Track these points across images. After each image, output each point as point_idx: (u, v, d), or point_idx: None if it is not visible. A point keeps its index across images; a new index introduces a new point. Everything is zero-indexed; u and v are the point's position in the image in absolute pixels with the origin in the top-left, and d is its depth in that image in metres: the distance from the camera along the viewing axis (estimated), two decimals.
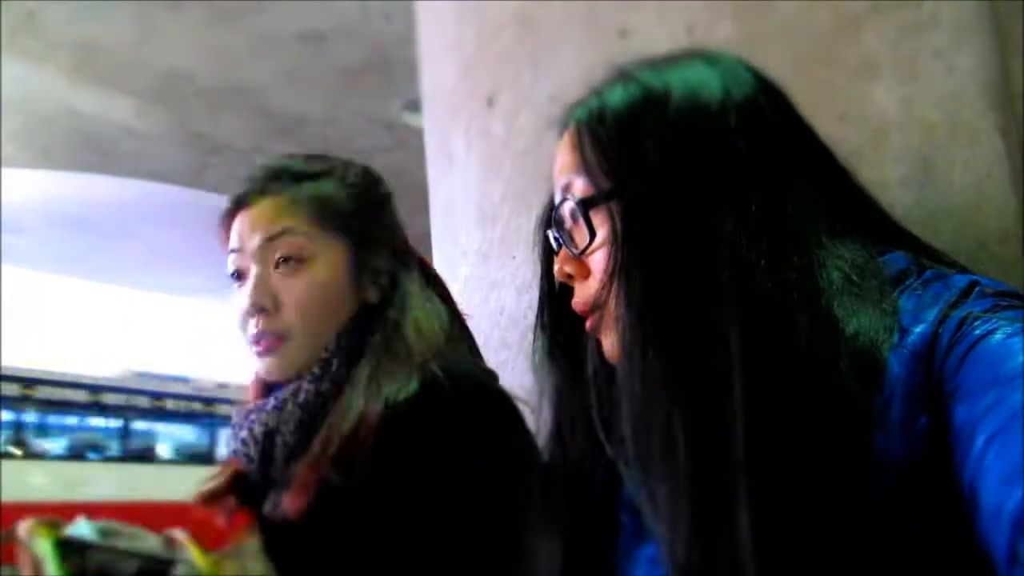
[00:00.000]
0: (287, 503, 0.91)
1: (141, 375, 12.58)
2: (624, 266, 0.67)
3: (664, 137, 0.68)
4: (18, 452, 9.26)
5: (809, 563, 0.58)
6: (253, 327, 0.98)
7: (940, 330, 0.60)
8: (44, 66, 4.38)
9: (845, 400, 0.60)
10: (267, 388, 1.03)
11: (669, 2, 1.17)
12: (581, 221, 0.71)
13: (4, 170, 5.32)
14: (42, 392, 10.09)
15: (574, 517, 0.77)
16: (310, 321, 0.97)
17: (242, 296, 0.99)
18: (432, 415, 0.91)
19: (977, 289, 0.62)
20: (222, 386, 11.86)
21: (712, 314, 0.63)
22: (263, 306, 0.97)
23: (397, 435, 0.90)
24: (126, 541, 0.87)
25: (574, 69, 1.21)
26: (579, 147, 0.72)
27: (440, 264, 1.49)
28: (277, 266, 0.98)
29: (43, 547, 0.82)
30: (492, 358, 1.16)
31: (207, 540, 0.90)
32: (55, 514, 0.88)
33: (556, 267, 0.75)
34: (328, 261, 0.99)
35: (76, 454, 9.96)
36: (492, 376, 1.02)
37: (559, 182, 0.75)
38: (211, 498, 1.02)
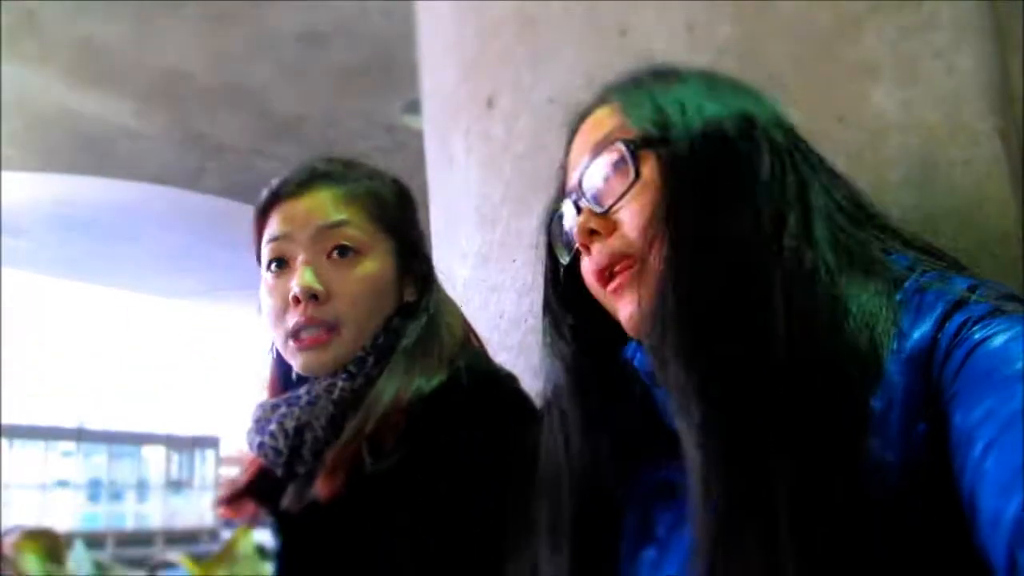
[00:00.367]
0: (319, 486, 0.91)
1: None
2: (669, 208, 0.68)
3: (706, 110, 0.71)
4: None
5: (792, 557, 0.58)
6: (297, 316, 0.97)
7: (939, 335, 0.60)
8: (43, 67, 4.38)
9: (841, 393, 0.61)
10: (285, 383, 1.04)
11: (669, 2, 1.17)
12: (627, 164, 0.71)
13: (3, 172, 5.32)
14: None
15: (579, 515, 0.77)
16: (361, 313, 0.99)
17: (285, 283, 0.98)
18: (456, 407, 0.94)
19: (977, 292, 0.62)
20: None
21: (748, 261, 0.65)
22: (316, 293, 0.96)
23: (424, 424, 0.92)
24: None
25: (574, 69, 1.21)
26: (627, 110, 0.74)
27: (440, 267, 1.48)
28: (329, 256, 0.98)
29: (31, 563, 0.81)
30: None
31: None
32: None
33: (579, 226, 0.74)
34: (380, 256, 1.01)
35: None
36: (511, 378, 1.04)
37: (588, 152, 0.76)
38: (234, 494, 1.03)
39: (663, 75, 0.78)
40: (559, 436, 0.79)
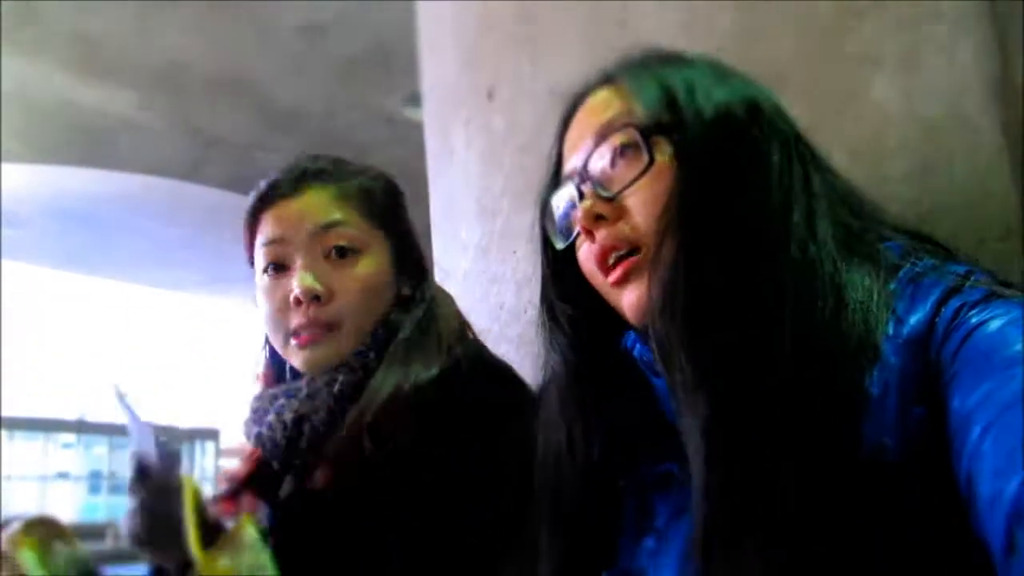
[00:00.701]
0: (319, 474, 0.92)
1: None
2: (683, 195, 0.68)
3: (714, 94, 0.71)
4: None
5: (785, 543, 0.58)
6: (298, 317, 0.98)
7: (936, 319, 0.61)
8: (42, 59, 4.37)
9: (833, 382, 0.62)
10: (280, 374, 1.04)
11: None
12: (639, 151, 0.71)
13: (3, 164, 5.31)
14: None
15: (578, 505, 0.78)
16: (361, 311, 0.99)
17: (284, 285, 0.99)
18: (456, 397, 0.94)
19: (973, 278, 0.63)
20: None
21: (761, 248, 0.65)
22: (317, 294, 0.97)
23: (425, 414, 0.93)
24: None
25: (574, 61, 1.21)
26: (634, 92, 0.74)
27: (440, 259, 1.48)
28: (328, 256, 0.99)
29: (28, 557, 0.81)
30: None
31: None
32: None
33: (583, 213, 0.73)
34: (377, 253, 1.02)
35: None
36: (509, 367, 1.04)
37: (592, 135, 0.75)
38: (234, 483, 1.03)
39: (669, 58, 0.77)
40: (558, 426, 0.79)
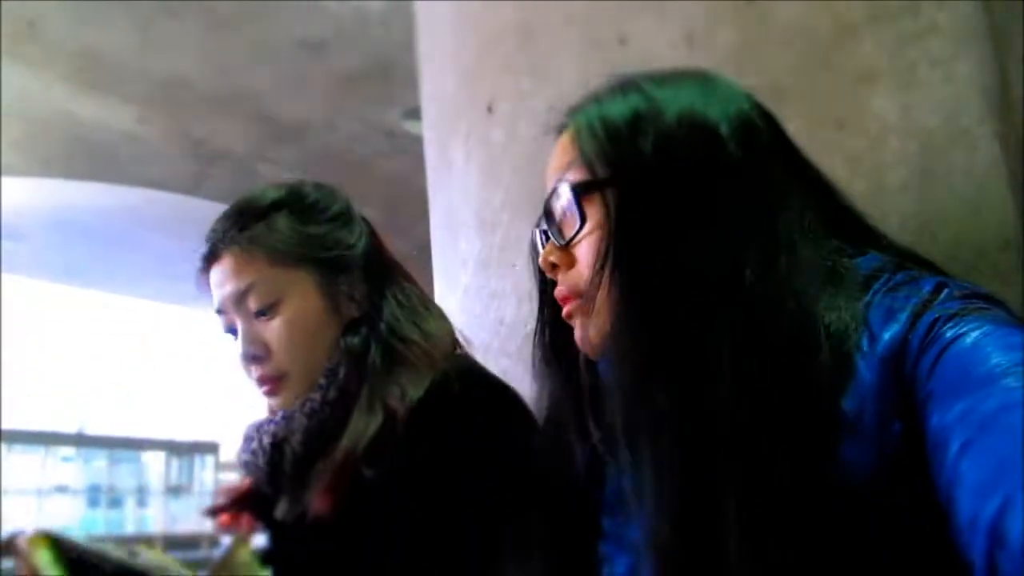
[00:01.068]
0: (315, 503, 0.93)
1: None
2: (615, 252, 0.69)
3: (661, 135, 0.70)
4: None
5: (791, 550, 0.58)
6: (254, 373, 1.01)
7: (910, 335, 0.60)
8: (44, 74, 4.38)
9: (823, 393, 0.61)
10: None
11: (668, 10, 1.17)
12: (573, 208, 0.72)
13: (3, 178, 5.32)
14: None
15: (563, 514, 0.78)
16: (299, 357, 1.00)
17: (238, 347, 1.02)
18: (450, 411, 0.94)
19: (946, 291, 0.62)
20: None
21: (701, 303, 0.64)
22: (256, 356, 1.00)
23: (419, 430, 0.93)
24: (117, 553, 0.87)
25: (574, 77, 1.21)
26: (577, 142, 0.74)
27: (440, 272, 1.48)
28: (257, 316, 1.00)
29: (43, 558, 0.81)
30: (492, 367, 1.15)
31: None
32: None
33: (541, 258, 0.77)
34: (298, 295, 1.01)
35: None
36: (499, 379, 1.04)
37: (552, 181, 0.76)
38: (221, 507, 1.05)
39: (622, 92, 0.75)
40: (554, 443, 0.79)
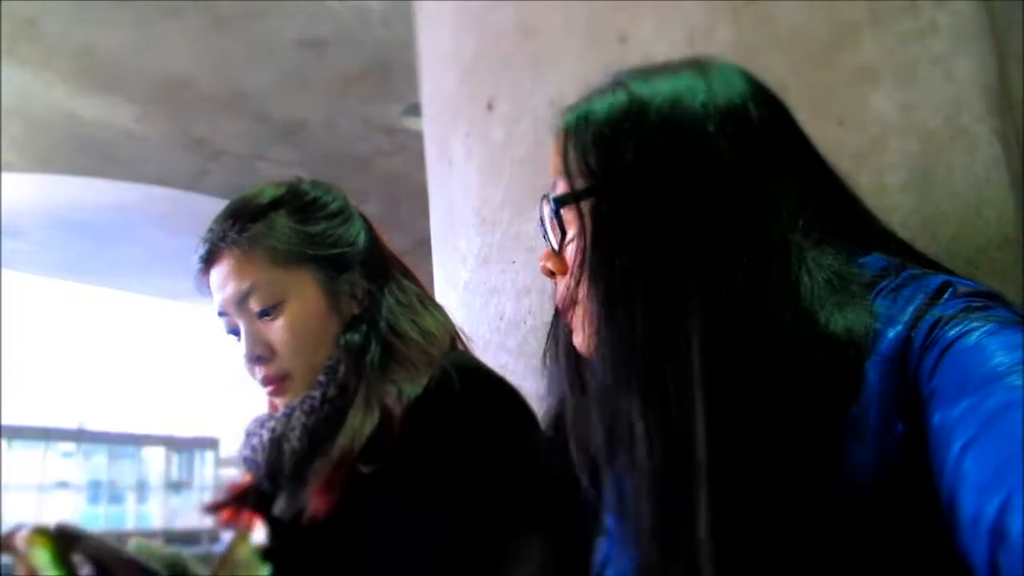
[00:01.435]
0: (314, 503, 0.93)
1: None
2: (590, 263, 0.68)
3: (641, 140, 0.69)
4: None
5: (769, 567, 0.58)
6: (258, 374, 1.02)
7: (912, 334, 0.60)
8: (44, 72, 4.38)
9: (815, 407, 0.60)
10: None
11: (668, 9, 1.17)
12: (554, 220, 0.73)
13: (4, 175, 5.32)
14: None
15: (564, 512, 0.79)
16: (303, 356, 1.00)
17: (241, 349, 1.02)
18: (450, 406, 0.94)
19: (950, 290, 0.62)
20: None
21: (675, 315, 0.63)
22: (260, 356, 1.00)
23: (420, 426, 0.93)
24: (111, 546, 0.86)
25: (574, 75, 1.21)
26: (563, 150, 0.74)
27: (440, 269, 1.49)
28: (260, 317, 1.00)
29: (41, 557, 0.80)
30: (492, 363, 1.16)
31: None
32: None
33: (541, 265, 0.77)
34: (300, 295, 1.01)
35: None
36: (499, 376, 1.03)
37: (549, 186, 0.76)
38: (219, 503, 1.05)
39: (611, 91, 0.74)
40: (557, 441, 0.79)
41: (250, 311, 1.00)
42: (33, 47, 4.14)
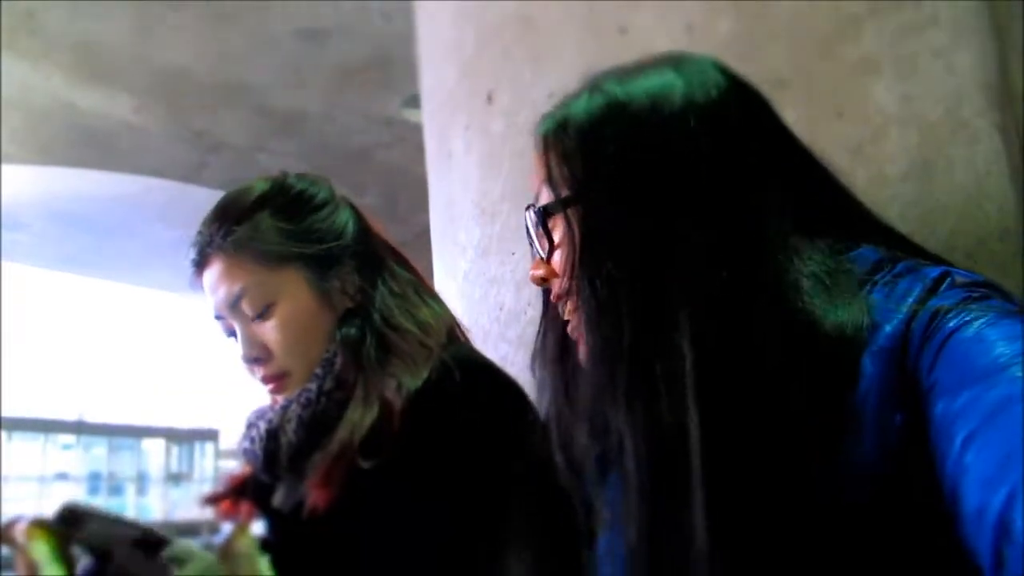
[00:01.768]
0: (313, 496, 0.93)
1: None
2: (578, 270, 0.68)
3: (621, 143, 0.68)
4: None
5: (771, 566, 0.58)
6: (257, 373, 1.02)
7: (912, 325, 0.60)
8: (43, 64, 4.37)
9: (811, 403, 0.60)
10: None
11: (668, 1, 1.17)
12: (540, 230, 0.73)
13: (3, 166, 5.32)
14: None
15: (563, 506, 0.79)
16: (300, 354, 1.00)
17: (238, 351, 1.02)
18: (451, 398, 0.94)
19: (948, 280, 0.62)
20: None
21: (664, 321, 0.63)
22: (257, 358, 1.00)
23: (421, 419, 0.93)
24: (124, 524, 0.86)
25: (574, 67, 1.20)
26: (544, 157, 0.74)
27: (439, 261, 1.49)
28: (253, 319, 1.00)
29: (41, 550, 0.80)
30: (491, 353, 1.16)
31: None
32: None
33: (531, 274, 0.77)
34: (290, 295, 1.00)
35: None
36: (499, 368, 1.04)
37: (534, 188, 0.77)
38: (217, 495, 1.05)
39: (588, 95, 0.73)
40: (559, 444, 0.79)
41: (243, 314, 1.00)
42: (32, 39, 4.13)
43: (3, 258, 7.86)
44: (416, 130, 1.72)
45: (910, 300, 0.61)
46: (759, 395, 0.60)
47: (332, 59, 4.38)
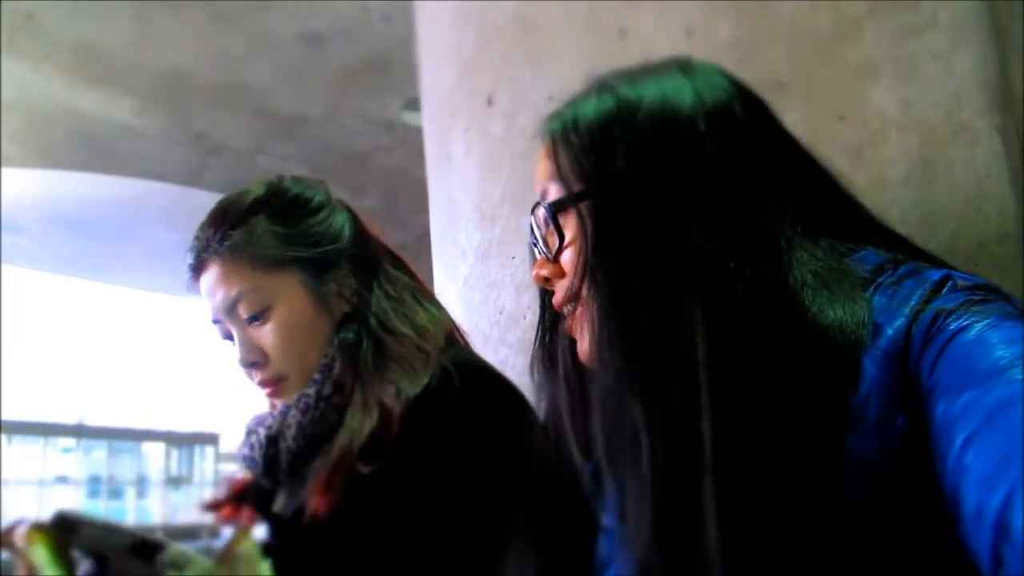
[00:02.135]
0: (314, 503, 0.93)
1: None
2: (592, 265, 0.68)
3: (633, 141, 0.69)
4: None
5: (775, 565, 0.58)
6: (255, 378, 1.02)
7: (914, 328, 0.60)
8: (43, 66, 4.38)
9: (812, 400, 0.60)
10: None
11: (668, 3, 1.17)
12: (551, 225, 0.72)
13: (3, 169, 5.32)
14: None
15: (561, 513, 0.79)
16: (297, 358, 1.00)
17: (236, 355, 1.02)
18: (448, 406, 0.94)
19: (949, 283, 0.62)
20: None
21: (677, 314, 0.64)
22: (254, 362, 1.01)
23: (422, 424, 0.93)
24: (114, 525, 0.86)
25: (574, 69, 1.20)
26: (553, 154, 0.74)
27: (439, 264, 1.49)
28: (250, 323, 1.00)
29: (40, 554, 0.80)
30: (491, 357, 1.16)
31: None
32: None
33: (534, 274, 0.77)
34: (287, 299, 1.01)
35: None
36: (498, 372, 1.04)
37: (538, 188, 0.76)
38: (218, 501, 1.05)
39: (596, 95, 0.74)
40: (555, 443, 0.79)
41: (240, 318, 1.00)
42: (32, 41, 4.14)
43: (3, 261, 7.86)
44: (416, 133, 1.72)
45: (912, 302, 0.62)
46: (761, 389, 0.61)
47: (332, 61, 4.39)
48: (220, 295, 1.00)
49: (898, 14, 1.06)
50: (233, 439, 1.09)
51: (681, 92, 0.71)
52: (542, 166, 0.76)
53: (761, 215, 0.67)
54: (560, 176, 0.73)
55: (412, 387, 0.95)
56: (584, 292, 0.70)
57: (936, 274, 0.64)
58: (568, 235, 0.72)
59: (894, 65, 1.05)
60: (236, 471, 1.10)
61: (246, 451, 1.02)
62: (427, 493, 0.90)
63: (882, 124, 1.05)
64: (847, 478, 0.59)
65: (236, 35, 4.18)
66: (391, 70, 4.27)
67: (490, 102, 1.34)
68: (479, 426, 0.93)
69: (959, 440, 0.53)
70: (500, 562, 0.83)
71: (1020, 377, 0.52)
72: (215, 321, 1.03)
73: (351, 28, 4.09)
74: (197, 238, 1.03)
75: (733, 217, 0.66)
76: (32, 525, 0.82)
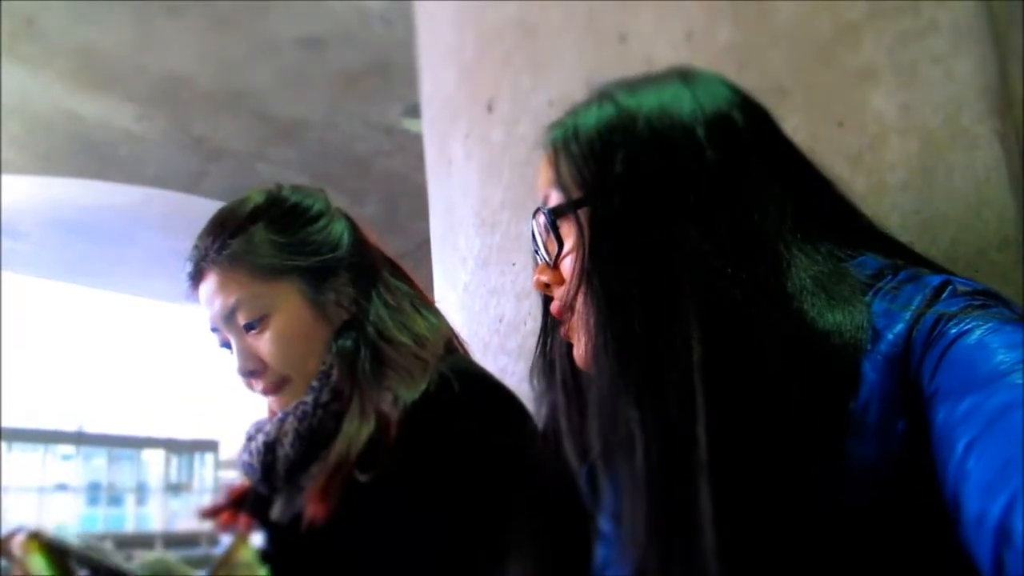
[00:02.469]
0: (311, 510, 0.93)
1: None
2: (589, 271, 0.69)
3: (631, 149, 0.70)
4: None
5: (774, 568, 0.58)
6: (256, 386, 1.02)
7: (914, 333, 0.61)
8: (43, 72, 4.38)
9: (812, 404, 0.60)
10: None
11: (668, 8, 1.17)
12: (550, 232, 0.73)
13: (3, 175, 5.32)
14: None
15: (559, 520, 0.79)
16: (296, 366, 1.00)
17: (234, 363, 1.02)
18: (446, 414, 0.94)
19: (950, 288, 0.62)
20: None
21: (673, 319, 0.64)
22: (252, 370, 1.01)
23: (420, 431, 0.93)
24: (104, 554, 0.86)
25: (574, 74, 1.21)
26: (554, 163, 0.74)
27: (440, 270, 1.49)
28: (248, 331, 1.00)
29: (38, 563, 0.80)
30: (491, 365, 1.16)
31: None
32: None
33: (534, 279, 0.77)
34: (285, 307, 1.01)
35: None
36: (495, 379, 1.03)
37: (539, 198, 0.77)
38: (216, 508, 1.05)
39: (598, 104, 0.75)
40: (553, 448, 0.79)
41: (238, 326, 1.00)
42: (32, 46, 4.14)
43: (2, 267, 7.86)
44: (416, 139, 1.73)
45: (912, 308, 0.62)
46: (759, 393, 0.61)
47: (332, 66, 4.39)
48: (218, 303, 1.00)
49: (898, 18, 1.06)
50: (233, 446, 1.09)
51: (680, 100, 0.71)
52: (544, 173, 0.77)
53: (760, 221, 0.67)
54: (560, 183, 0.73)
55: (410, 394, 0.95)
56: (580, 298, 0.70)
57: (936, 279, 0.64)
58: (568, 242, 0.73)
59: (894, 70, 1.05)
60: (236, 478, 1.10)
61: (245, 457, 1.02)
62: (425, 500, 0.90)
63: (882, 129, 1.05)
64: (847, 483, 0.59)
65: (236, 40, 4.19)
66: (391, 74, 4.28)
67: (490, 108, 1.34)
68: (477, 432, 0.92)
69: (960, 445, 0.53)
70: (499, 569, 0.83)
71: (1021, 382, 0.52)
72: (214, 329, 1.03)
73: (351, 32, 4.10)
74: (196, 247, 1.03)
75: (732, 223, 0.67)
76: (30, 534, 0.83)
